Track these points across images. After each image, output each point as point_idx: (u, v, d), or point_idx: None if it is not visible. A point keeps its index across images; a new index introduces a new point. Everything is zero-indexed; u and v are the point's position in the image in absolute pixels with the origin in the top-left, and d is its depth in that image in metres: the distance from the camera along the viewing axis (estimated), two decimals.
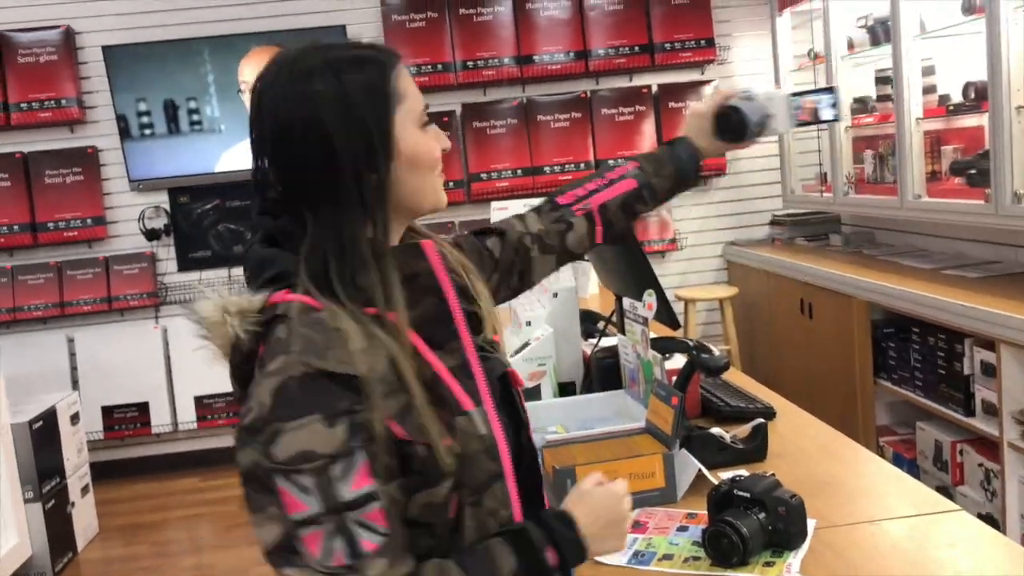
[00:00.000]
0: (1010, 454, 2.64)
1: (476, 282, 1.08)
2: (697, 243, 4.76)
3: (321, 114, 0.94)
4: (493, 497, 0.98)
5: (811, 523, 1.34)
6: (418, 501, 0.92)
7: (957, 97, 3.19)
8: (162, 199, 4.47)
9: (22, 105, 4.28)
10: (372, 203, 0.96)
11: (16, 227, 4.33)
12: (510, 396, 1.08)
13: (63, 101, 4.31)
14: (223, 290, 0.95)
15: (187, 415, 4.43)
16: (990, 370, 2.71)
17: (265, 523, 0.88)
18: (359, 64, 0.97)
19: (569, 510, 1.00)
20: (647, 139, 4.59)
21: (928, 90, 3.33)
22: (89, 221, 4.39)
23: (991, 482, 2.79)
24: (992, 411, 2.72)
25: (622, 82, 4.64)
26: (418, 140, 1.00)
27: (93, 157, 4.39)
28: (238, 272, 4.45)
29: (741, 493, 1.29)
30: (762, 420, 1.67)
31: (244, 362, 0.94)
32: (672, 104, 4.60)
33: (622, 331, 2.00)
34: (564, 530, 0.97)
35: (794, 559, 1.26)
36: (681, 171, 1.38)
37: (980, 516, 2.72)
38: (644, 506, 1.46)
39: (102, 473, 4.16)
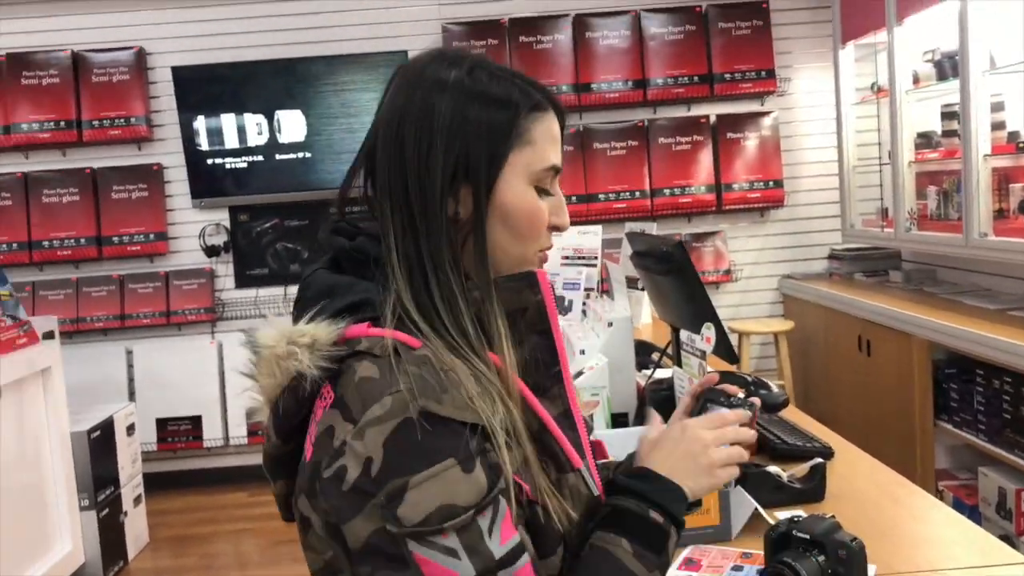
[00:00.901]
0: None
1: None
2: (752, 275, 4.70)
3: (434, 122, 0.84)
4: None
5: (871, 569, 1.30)
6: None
7: None
8: (222, 217, 4.57)
9: (94, 123, 4.43)
10: (456, 236, 0.85)
11: (83, 240, 4.46)
12: None
13: (132, 119, 4.44)
14: (282, 320, 0.83)
15: (238, 430, 4.49)
16: None
17: None
18: (497, 99, 0.87)
19: (643, 464, 0.91)
20: (704, 169, 4.56)
21: (997, 127, 3.25)
22: (152, 236, 4.50)
23: None
24: None
25: (680, 112, 4.62)
26: (524, 196, 0.87)
27: (158, 174, 4.51)
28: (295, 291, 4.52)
29: (800, 534, 1.26)
30: (820, 460, 1.63)
31: (297, 408, 0.82)
32: (730, 135, 4.57)
33: (678, 363, 1.98)
34: (653, 485, 0.87)
35: None
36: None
37: None
38: (698, 543, 1.43)
39: (154, 484, 4.23)
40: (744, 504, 1.48)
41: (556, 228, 0.91)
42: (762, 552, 1.34)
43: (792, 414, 2.08)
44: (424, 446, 0.74)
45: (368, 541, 0.74)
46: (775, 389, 1.66)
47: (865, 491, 1.63)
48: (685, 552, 1.39)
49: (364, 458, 0.74)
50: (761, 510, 1.47)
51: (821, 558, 1.24)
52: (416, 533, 0.72)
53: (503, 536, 0.74)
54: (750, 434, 0.97)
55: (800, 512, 1.34)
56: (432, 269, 0.82)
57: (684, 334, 1.84)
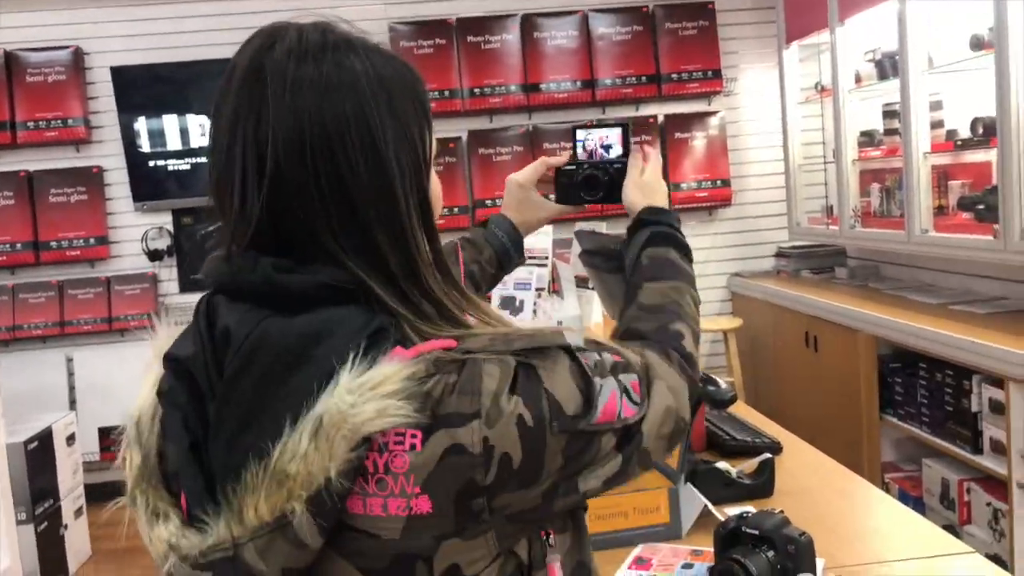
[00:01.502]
0: (1019, 494, 2.60)
1: None
2: (701, 273, 4.73)
3: (366, 110, 0.74)
4: None
5: (820, 563, 1.31)
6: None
7: (965, 132, 3.19)
8: (165, 220, 4.46)
9: (29, 124, 4.29)
10: (424, 223, 0.79)
11: (19, 245, 4.32)
12: None
13: (70, 120, 4.32)
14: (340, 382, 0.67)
15: None
16: (999, 407, 2.67)
17: (604, 462, 0.76)
18: (401, 66, 0.80)
19: (654, 204, 1.17)
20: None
21: (936, 125, 3.32)
22: (92, 240, 4.38)
23: (999, 522, 2.74)
24: (1000, 449, 2.67)
25: (628, 112, 4.64)
26: (436, 179, 0.84)
27: (98, 176, 4.39)
28: None
29: (749, 530, 1.25)
30: (769, 455, 1.64)
31: (355, 475, 0.68)
32: (678, 134, 4.60)
33: None
34: (667, 217, 1.14)
35: None
36: (501, 253, 1.30)
37: (987, 556, 2.67)
38: (648, 541, 1.42)
39: (98, 495, 4.11)
40: (694, 501, 1.47)
41: None
42: (712, 549, 1.34)
43: (741, 410, 2.09)
44: (541, 369, 0.73)
45: (551, 443, 0.72)
46: (723, 385, 1.66)
47: (813, 485, 1.64)
48: (635, 551, 1.38)
49: (514, 424, 0.70)
50: (711, 507, 1.47)
51: (771, 553, 1.24)
52: (593, 372, 0.75)
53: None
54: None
55: (749, 508, 1.33)
56: (416, 275, 0.76)
57: None
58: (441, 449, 0.68)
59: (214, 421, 0.72)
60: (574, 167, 1.27)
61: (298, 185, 0.73)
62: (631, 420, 0.78)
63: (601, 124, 1.26)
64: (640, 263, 1.08)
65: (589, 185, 1.26)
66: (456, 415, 0.69)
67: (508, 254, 1.31)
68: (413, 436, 0.68)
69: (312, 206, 0.74)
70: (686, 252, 1.10)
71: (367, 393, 0.66)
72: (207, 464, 0.73)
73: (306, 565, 0.70)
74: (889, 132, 3.65)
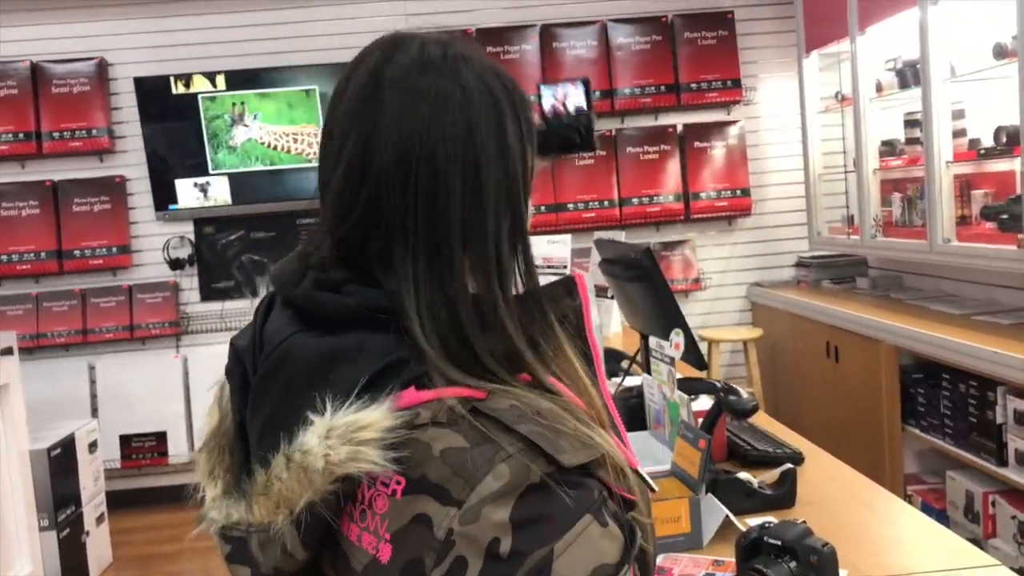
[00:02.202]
0: None
1: None
2: (721, 283, 4.72)
3: (473, 131, 0.72)
4: None
5: (842, 573, 1.29)
6: None
7: (988, 141, 3.16)
8: (187, 229, 4.50)
9: (54, 134, 4.35)
10: (514, 235, 0.74)
11: (43, 254, 4.37)
12: None
13: (94, 131, 4.37)
14: (318, 419, 0.66)
15: None
16: (1020, 418, 2.63)
17: None
18: (510, 83, 0.77)
19: None
20: (672, 178, 4.58)
21: (958, 134, 3.29)
22: (115, 250, 4.42)
23: None
24: None
25: (647, 121, 4.64)
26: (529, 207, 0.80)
27: (121, 186, 4.44)
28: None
29: (771, 540, 1.24)
30: (790, 465, 1.63)
31: (337, 510, 0.67)
32: (698, 144, 4.59)
33: (647, 371, 1.97)
34: None
35: None
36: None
37: (1013, 570, 2.63)
38: (669, 551, 1.42)
39: (118, 502, 4.14)
40: (715, 511, 1.47)
41: None
42: (733, 559, 1.33)
43: (762, 420, 2.07)
44: (559, 508, 0.63)
45: None
46: (744, 395, 1.65)
47: (836, 496, 1.63)
48: (656, 561, 1.37)
49: (488, 541, 0.62)
50: (732, 517, 1.46)
51: (793, 564, 1.23)
52: None
53: None
54: None
55: (771, 518, 1.32)
56: (478, 298, 0.72)
57: (653, 341, 1.83)
58: (415, 511, 0.65)
59: (248, 415, 0.75)
60: (546, 127, 1.26)
61: (392, 196, 0.71)
62: None
63: (564, 80, 1.15)
64: None
65: (566, 147, 1.30)
66: (440, 489, 0.64)
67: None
68: (398, 483, 0.65)
69: (397, 219, 0.71)
70: None
71: (348, 435, 0.64)
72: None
73: (295, 570, 0.71)
74: (911, 141, 3.62)
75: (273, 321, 0.76)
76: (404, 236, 0.71)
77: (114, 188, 4.43)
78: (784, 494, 1.59)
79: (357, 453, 0.64)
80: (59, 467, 3.41)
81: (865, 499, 1.62)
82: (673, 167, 4.58)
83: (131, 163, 4.45)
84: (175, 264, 4.44)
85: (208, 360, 4.38)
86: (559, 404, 0.70)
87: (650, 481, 0.82)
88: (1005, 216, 2.99)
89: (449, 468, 0.64)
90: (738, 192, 4.61)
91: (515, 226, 0.74)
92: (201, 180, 4.37)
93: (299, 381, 0.70)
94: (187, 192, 4.38)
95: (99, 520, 3.71)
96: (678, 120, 4.63)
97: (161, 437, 4.40)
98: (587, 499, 0.65)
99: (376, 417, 0.65)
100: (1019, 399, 2.67)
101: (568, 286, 0.80)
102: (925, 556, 1.37)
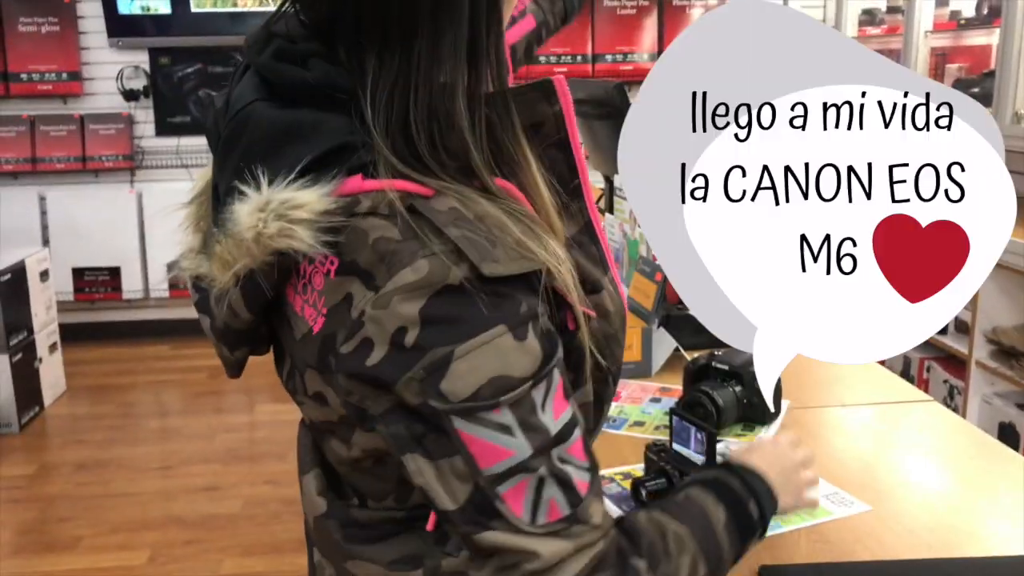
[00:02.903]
0: (976, 372, 2.68)
1: None
2: None
3: None
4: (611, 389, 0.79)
5: (784, 403, 1.34)
6: (575, 403, 0.72)
7: (969, 13, 3.11)
8: (142, 59, 4.30)
9: None
10: (489, 25, 0.69)
11: None
12: None
13: None
14: (251, 192, 0.64)
15: (160, 283, 4.38)
16: None
17: (443, 482, 0.65)
18: None
19: (748, 462, 0.85)
20: (648, 35, 4.46)
21: (941, 3, 3.24)
22: (64, 75, 4.23)
23: (954, 399, 2.84)
24: (964, 329, 2.74)
25: None
26: None
27: (70, 7, 4.20)
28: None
29: (719, 365, 1.28)
30: None
31: (279, 282, 0.68)
32: (677, 2, 4.46)
33: (610, 210, 1.96)
34: (757, 481, 0.83)
35: (765, 433, 1.26)
36: (568, 5, 1.39)
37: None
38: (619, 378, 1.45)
39: (71, 335, 4.13)
40: (665, 343, 1.50)
41: None
42: (680, 387, 1.37)
43: None
44: (471, 314, 0.62)
45: (399, 422, 0.65)
46: None
47: None
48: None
49: (394, 329, 0.62)
50: (682, 350, 1.49)
51: (738, 388, 1.27)
52: (464, 409, 0.62)
53: (556, 410, 0.65)
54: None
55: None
56: (429, 89, 0.67)
57: (618, 180, 1.82)
58: (346, 290, 0.65)
59: (215, 176, 0.74)
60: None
61: None
62: (491, 473, 0.63)
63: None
64: (676, 494, 0.81)
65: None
66: (367, 274, 0.64)
67: (572, 7, 1.37)
68: (332, 263, 0.65)
69: None
70: (745, 531, 0.79)
71: (281, 211, 0.64)
72: None
73: (243, 328, 0.74)
74: (892, 10, 3.56)
75: (241, 86, 0.74)
76: (372, 10, 0.66)
77: (62, 9, 4.19)
78: None
79: (287, 230, 0.63)
80: (9, 292, 3.37)
81: None
82: (650, 24, 4.46)
83: None
84: (129, 95, 4.27)
85: (163, 196, 4.28)
86: (513, 211, 0.68)
87: (614, 297, 0.79)
88: (976, 90, 2.98)
89: (376, 255, 0.63)
90: None
91: (491, 6, 0.70)
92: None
93: (254, 150, 0.68)
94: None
95: (52, 349, 3.71)
96: None
97: (115, 272, 4.35)
98: (507, 310, 0.63)
99: (311, 198, 0.63)
100: None
101: (546, 90, 0.74)
102: (864, 391, 1.43)
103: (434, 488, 0.65)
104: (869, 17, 3.74)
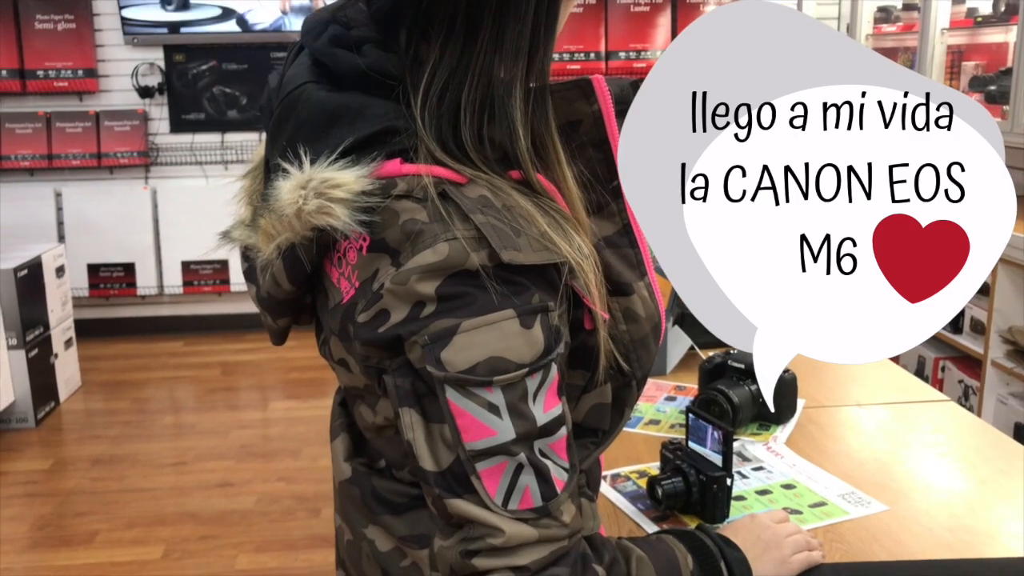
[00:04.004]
0: (992, 372, 2.66)
1: None
2: None
3: None
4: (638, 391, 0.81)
5: (800, 402, 1.34)
6: (587, 402, 0.76)
7: (987, 11, 3.09)
8: (157, 56, 4.32)
9: None
10: (549, 22, 0.71)
11: (4, 72, 4.19)
12: None
13: None
14: (293, 171, 0.68)
15: (173, 279, 4.40)
16: (983, 288, 2.70)
17: (431, 443, 0.67)
18: None
19: (723, 533, 0.88)
20: (661, 31, 4.45)
21: (957, 0, 3.22)
22: (80, 72, 4.25)
23: (969, 399, 2.82)
24: (980, 329, 2.72)
25: None
26: None
27: (86, 5, 4.22)
28: (234, 139, 4.36)
29: (735, 364, 1.28)
30: None
31: (318, 257, 0.72)
32: None
33: None
34: (731, 548, 0.84)
35: (781, 432, 1.26)
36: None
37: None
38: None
39: (86, 330, 4.16)
40: (681, 341, 1.50)
41: None
42: (695, 386, 1.37)
43: None
44: (484, 295, 0.65)
45: (407, 376, 0.67)
46: None
47: None
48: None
49: (413, 303, 0.65)
50: (697, 348, 1.49)
51: (754, 387, 1.27)
52: (459, 380, 0.64)
53: (547, 403, 0.67)
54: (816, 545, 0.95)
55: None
56: (487, 81, 0.69)
57: None
58: (376, 266, 0.68)
59: (268, 152, 0.78)
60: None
61: None
62: (479, 448, 0.66)
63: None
64: (648, 535, 0.84)
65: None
66: (393, 251, 0.66)
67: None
68: (364, 240, 0.68)
69: None
70: None
71: (321, 190, 0.67)
72: None
73: (284, 298, 0.78)
74: (908, 7, 3.54)
75: (296, 67, 0.76)
76: (440, 1, 0.68)
77: (78, 6, 4.21)
78: None
79: (326, 207, 0.66)
80: (26, 288, 3.39)
81: None
82: (664, 21, 4.44)
83: None
84: (144, 92, 4.29)
85: (177, 194, 4.31)
86: (542, 205, 0.70)
87: (648, 300, 0.80)
88: (993, 88, 2.96)
89: (403, 234, 0.66)
90: None
91: (552, 4, 0.71)
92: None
93: (302, 130, 0.71)
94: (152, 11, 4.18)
95: (67, 344, 3.73)
96: None
97: (129, 268, 4.38)
98: (519, 298, 0.66)
99: (349, 178, 0.67)
100: None
101: (585, 88, 0.77)
102: (880, 390, 1.42)
103: (421, 446, 0.67)
104: (885, 14, 3.72)
